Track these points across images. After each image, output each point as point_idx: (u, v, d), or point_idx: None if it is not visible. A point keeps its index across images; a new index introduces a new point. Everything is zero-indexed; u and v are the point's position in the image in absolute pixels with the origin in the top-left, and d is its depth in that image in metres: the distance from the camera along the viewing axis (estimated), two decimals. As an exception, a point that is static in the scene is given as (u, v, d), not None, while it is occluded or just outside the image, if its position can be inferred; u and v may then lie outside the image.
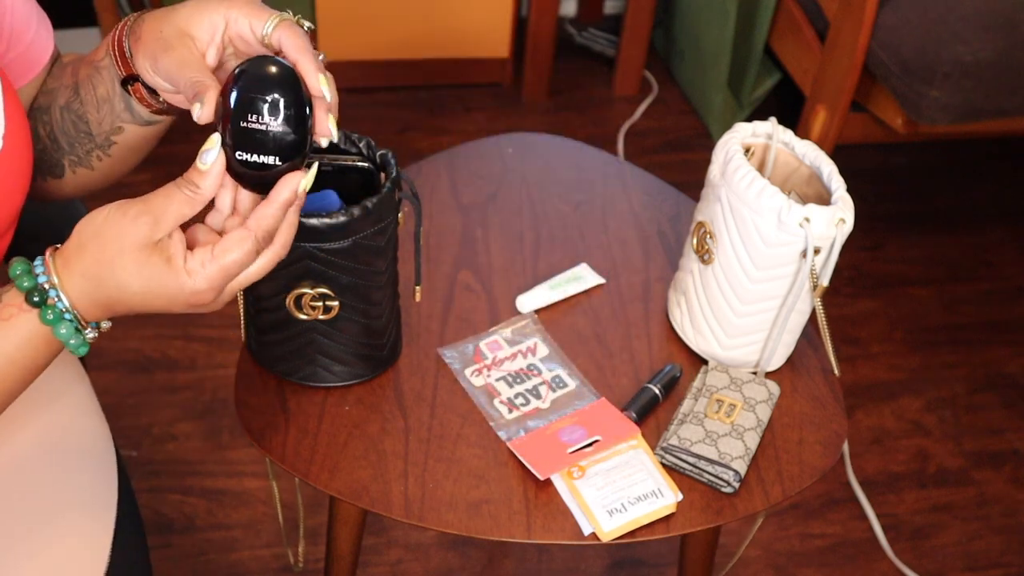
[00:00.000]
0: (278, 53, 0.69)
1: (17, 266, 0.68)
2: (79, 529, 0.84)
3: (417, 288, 0.95)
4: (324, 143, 0.70)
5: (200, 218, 0.70)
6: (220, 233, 0.69)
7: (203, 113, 0.67)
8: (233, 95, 0.65)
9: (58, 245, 0.69)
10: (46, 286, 0.67)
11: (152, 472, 1.68)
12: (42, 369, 0.72)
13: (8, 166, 0.75)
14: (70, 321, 0.68)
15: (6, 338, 0.68)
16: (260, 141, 0.66)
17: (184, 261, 0.67)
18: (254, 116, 0.65)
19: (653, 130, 2.51)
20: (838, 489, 1.76)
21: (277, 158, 0.66)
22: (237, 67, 0.66)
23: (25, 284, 0.67)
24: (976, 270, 2.21)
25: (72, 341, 0.69)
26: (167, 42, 0.71)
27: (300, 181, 0.67)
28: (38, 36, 0.83)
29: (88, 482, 0.87)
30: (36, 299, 0.67)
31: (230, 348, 1.88)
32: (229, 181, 0.69)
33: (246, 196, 0.69)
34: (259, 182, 0.68)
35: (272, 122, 0.65)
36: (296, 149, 0.67)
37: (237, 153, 0.66)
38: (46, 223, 1.05)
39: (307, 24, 0.72)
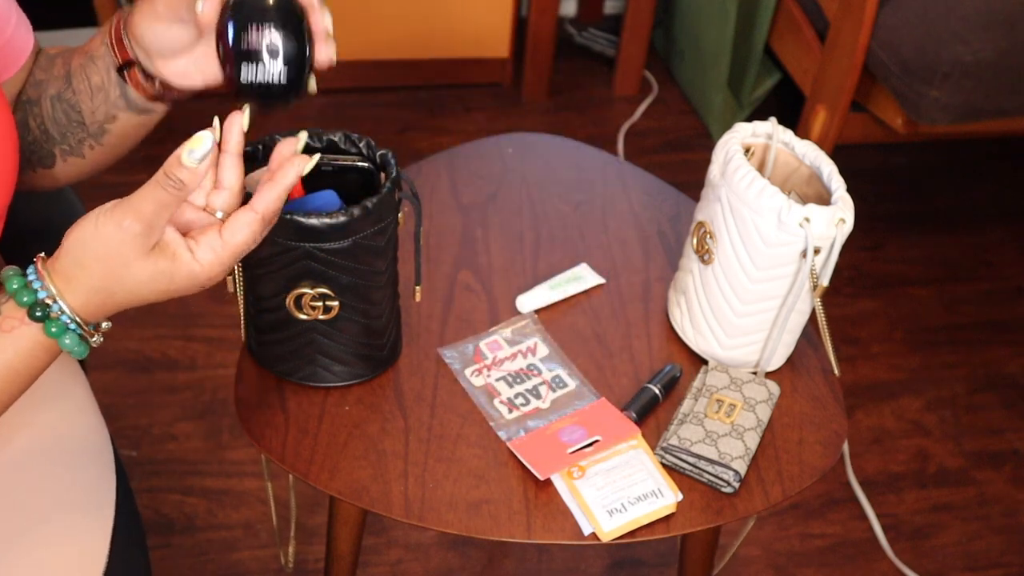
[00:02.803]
0: None
1: (12, 280, 0.68)
2: (77, 529, 0.84)
3: (417, 288, 0.95)
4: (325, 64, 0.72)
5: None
6: (204, 209, 0.70)
7: (205, 7, 0.69)
8: (233, 16, 0.67)
9: (44, 255, 0.69)
10: (47, 300, 0.67)
11: (152, 472, 1.68)
12: (41, 372, 0.72)
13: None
14: (74, 331, 0.68)
15: (8, 349, 0.68)
16: (261, 60, 0.68)
17: (190, 252, 0.67)
18: (255, 36, 0.67)
19: (653, 130, 2.51)
20: (838, 489, 1.76)
21: (281, 75, 0.69)
22: None
23: (25, 299, 0.67)
24: (976, 270, 2.21)
25: (76, 348, 0.69)
26: (157, 10, 0.74)
27: (303, 165, 0.70)
28: (16, 33, 0.83)
29: (86, 482, 0.87)
30: (39, 314, 0.67)
31: (230, 348, 1.88)
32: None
33: (228, 170, 0.69)
34: (261, 100, 0.70)
35: (273, 41, 0.67)
36: (298, 68, 0.69)
37: (241, 73, 0.68)
38: (45, 221, 1.05)
39: None
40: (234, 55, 0.69)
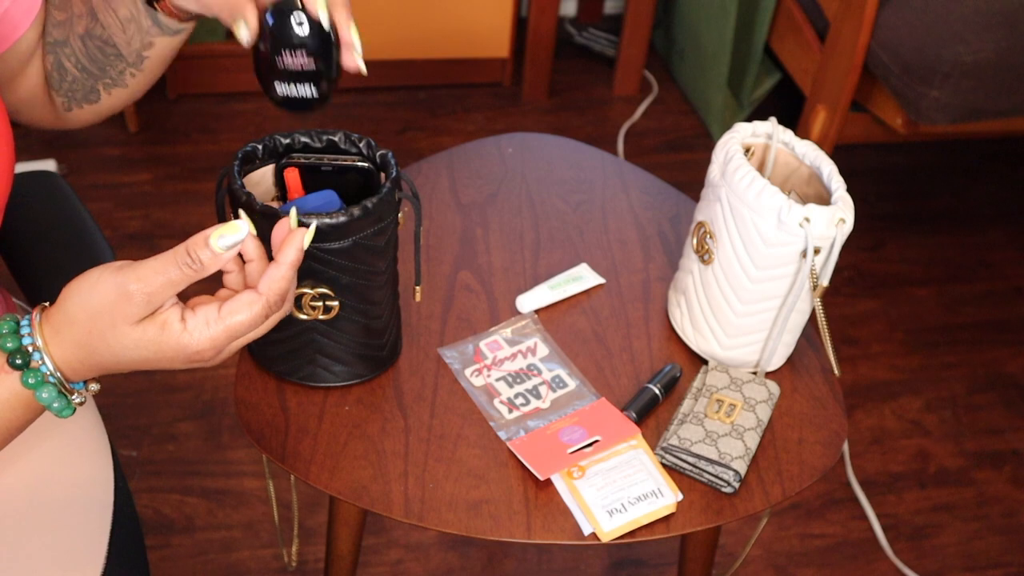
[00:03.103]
0: None
1: (4, 324, 0.66)
2: (75, 529, 0.84)
3: (417, 288, 0.95)
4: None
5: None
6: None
7: (248, 35, 0.73)
8: (271, 41, 0.74)
9: (47, 304, 0.67)
10: (30, 348, 0.65)
11: (152, 472, 1.68)
12: (20, 430, 0.69)
13: None
14: (53, 385, 0.65)
15: None
16: (296, 80, 0.76)
17: (182, 322, 0.64)
18: (290, 59, 0.75)
19: (653, 130, 2.51)
20: (838, 489, 1.76)
21: (312, 90, 0.76)
22: (269, 9, 0.74)
23: (8, 345, 0.65)
24: (976, 270, 2.21)
25: (55, 404, 0.66)
26: None
27: (303, 239, 0.68)
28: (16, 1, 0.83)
29: (84, 481, 0.87)
30: (18, 361, 0.64)
31: (230, 348, 1.88)
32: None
33: (273, 281, 0.67)
34: (292, 110, 0.78)
35: (307, 65, 0.75)
36: (327, 85, 0.76)
37: (276, 89, 0.76)
38: (45, 222, 1.05)
39: None
40: (270, 74, 0.76)
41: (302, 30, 0.73)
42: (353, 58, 0.75)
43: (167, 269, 0.63)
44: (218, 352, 0.66)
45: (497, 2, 2.36)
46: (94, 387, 0.68)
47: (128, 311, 0.63)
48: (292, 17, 0.73)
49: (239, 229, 0.64)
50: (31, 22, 0.83)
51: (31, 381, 0.65)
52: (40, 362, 0.65)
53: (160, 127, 2.35)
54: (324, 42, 0.74)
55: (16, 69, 0.85)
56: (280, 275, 0.66)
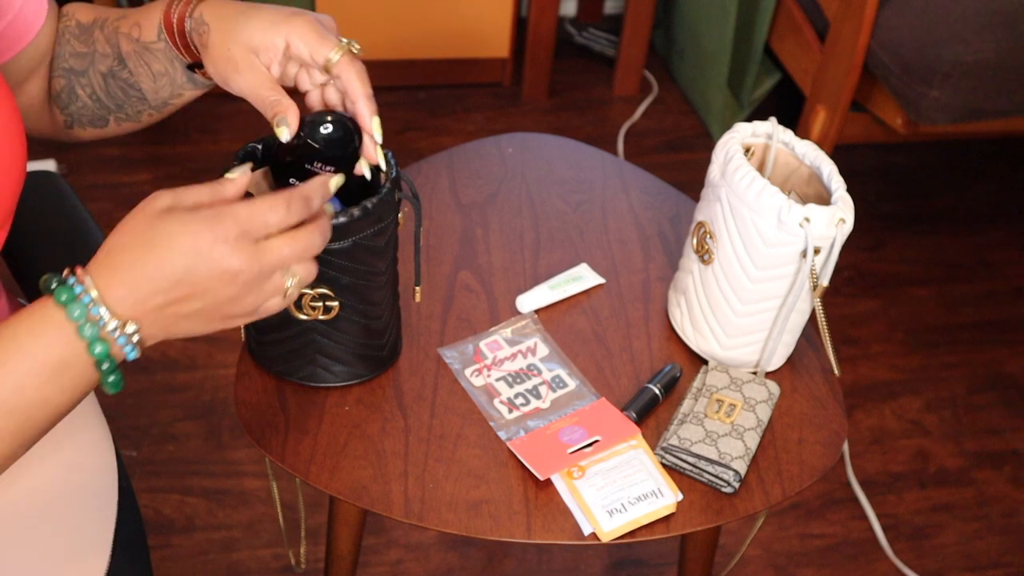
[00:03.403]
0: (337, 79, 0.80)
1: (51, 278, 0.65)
2: (80, 529, 0.84)
3: (417, 288, 0.95)
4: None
5: None
6: None
7: (288, 136, 0.77)
8: (298, 148, 0.79)
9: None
10: (66, 275, 0.64)
11: (152, 472, 1.68)
12: (56, 364, 0.64)
13: (2, 162, 0.75)
14: (86, 305, 0.62)
15: (17, 322, 0.63)
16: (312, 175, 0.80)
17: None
18: (315, 166, 0.80)
19: (653, 130, 2.51)
20: (838, 489, 1.76)
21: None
22: (305, 121, 0.78)
23: (53, 285, 0.64)
24: (976, 270, 2.21)
25: (87, 331, 0.62)
26: (236, 63, 0.77)
27: (333, 183, 0.74)
28: (26, 6, 0.83)
29: (88, 482, 0.87)
30: (53, 285, 0.63)
31: (230, 348, 1.88)
32: None
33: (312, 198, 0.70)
34: None
35: (328, 170, 0.80)
36: (348, 183, 0.80)
37: (290, 182, 0.80)
38: (47, 224, 1.05)
39: (357, 48, 0.80)
40: (290, 172, 0.81)
41: (336, 148, 0.79)
42: (372, 152, 0.81)
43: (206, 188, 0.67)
44: (247, 252, 0.64)
45: (497, 2, 2.36)
46: (132, 327, 0.64)
47: (152, 205, 0.64)
48: (330, 130, 0.79)
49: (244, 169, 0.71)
50: (30, 40, 0.84)
51: (63, 298, 0.62)
52: (73, 282, 0.63)
53: (160, 127, 2.35)
54: (352, 158, 0.80)
55: (15, 81, 0.86)
56: (308, 189, 0.69)
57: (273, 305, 0.69)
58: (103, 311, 0.63)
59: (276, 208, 0.66)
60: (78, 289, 0.63)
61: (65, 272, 0.64)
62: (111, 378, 0.66)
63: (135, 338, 0.64)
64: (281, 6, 0.80)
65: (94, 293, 0.63)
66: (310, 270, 0.70)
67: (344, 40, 0.79)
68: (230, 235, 0.64)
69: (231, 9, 0.79)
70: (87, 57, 0.86)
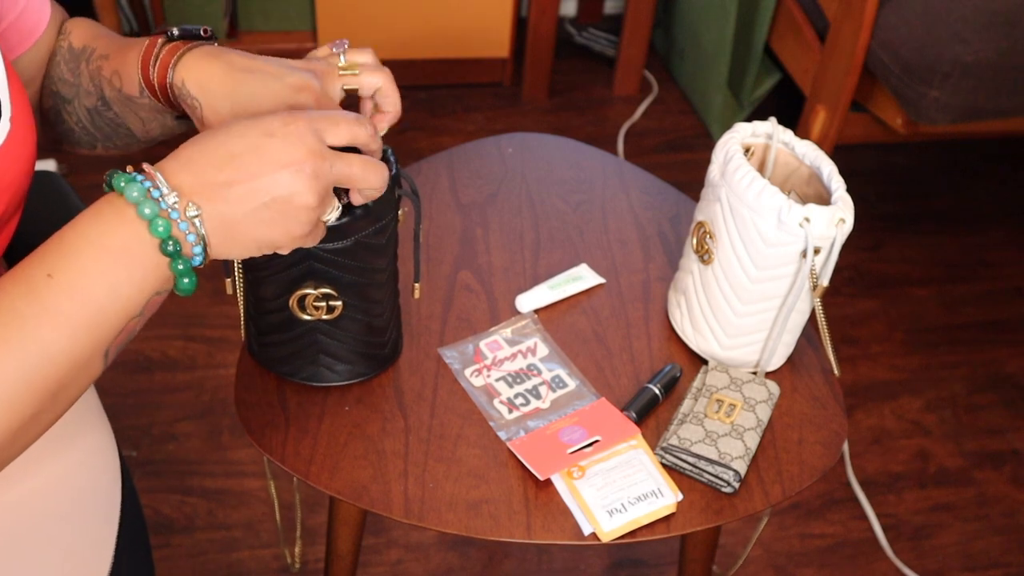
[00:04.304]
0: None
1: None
2: (83, 529, 0.84)
3: (416, 285, 0.95)
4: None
5: None
6: None
7: None
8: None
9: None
10: (130, 169, 0.62)
11: (152, 472, 1.68)
12: (117, 246, 0.61)
13: (15, 151, 0.74)
14: (141, 182, 0.60)
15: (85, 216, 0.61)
16: None
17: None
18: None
19: (653, 130, 2.51)
20: (838, 489, 1.76)
21: None
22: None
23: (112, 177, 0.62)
24: (976, 270, 2.21)
25: (146, 209, 0.60)
26: None
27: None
28: (30, 5, 0.81)
29: (92, 483, 0.87)
30: (112, 179, 0.61)
31: (230, 348, 1.88)
32: None
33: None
34: None
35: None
36: None
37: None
38: (48, 226, 1.05)
39: (345, 46, 0.80)
40: None
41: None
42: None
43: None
44: (300, 119, 0.64)
45: (497, 2, 2.36)
46: (192, 211, 0.61)
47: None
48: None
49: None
50: (28, 46, 0.83)
51: (120, 182, 0.60)
52: (137, 172, 0.61)
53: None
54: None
55: None
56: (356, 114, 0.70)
57: (318, 232, 0.68)
58: (162, 184, 0.61)
59: (348, 116, 0.67)
60: (138, 176, 0.61)
61: (126, 168, 0.62)
62: (181, 269, 0.62)
63: (197, 222, 0.61)
64: (267, 69, 0.76)
65: (151, 171, 0.61)
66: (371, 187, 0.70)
67: (340, 64, 0.79)
68: (300, 121, 0.63)
69: (217, 80, 0.75)
70: (73, 87, 0.83)
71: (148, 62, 0.77)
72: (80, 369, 0.62)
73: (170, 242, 0.61)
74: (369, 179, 0.68)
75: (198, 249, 0.62)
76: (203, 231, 0.62)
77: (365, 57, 0.81)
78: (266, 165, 0.62)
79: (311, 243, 0.68)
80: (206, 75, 0.75)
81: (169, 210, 0.61)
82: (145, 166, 0.62)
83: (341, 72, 0.79)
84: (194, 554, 1.58)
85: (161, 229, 0.60)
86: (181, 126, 0.83)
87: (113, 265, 0.61)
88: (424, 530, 1.62)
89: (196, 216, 0.61)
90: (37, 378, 0.59)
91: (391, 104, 0.82)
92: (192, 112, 0.77)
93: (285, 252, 0.68)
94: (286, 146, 0.63)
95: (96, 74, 0.82)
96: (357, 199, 0.75)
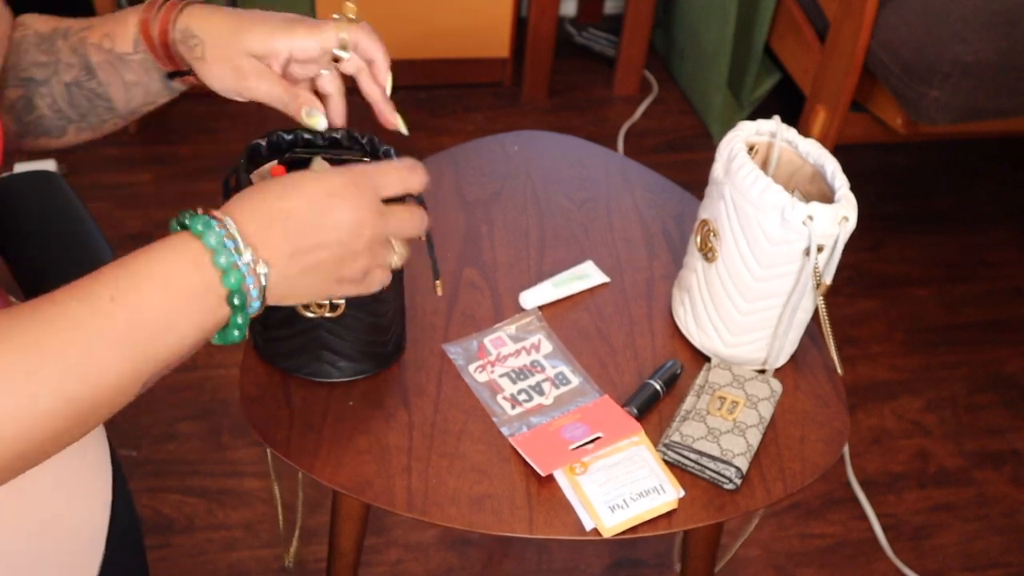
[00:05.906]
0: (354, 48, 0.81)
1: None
2: (72, 528, 0.83)
3: (437, 282, 0.92)
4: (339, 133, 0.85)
5: None
6: None
7: (325, 123, 0.80)
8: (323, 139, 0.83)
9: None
10: (199, 211, 0.63)
11: (152, 472, 1.67)
12: (181, 286, 0.61)
13: None
14: (222, 235, 0.61)
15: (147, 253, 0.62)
16: None
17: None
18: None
19: (653, 130, 2.51)
20: (838, 489, 1.76)
21: None
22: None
23: (186, 219, 0.63)
24: (976, 270, 2.21)
25: (223, 259, 0.61)
26: (243, 72, 0.78)
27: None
28: None
29: (81, 479, 0.87)
30: (187, 219, 0.62)
31: (231, 348, 1.87)
32: None
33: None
34: None
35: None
36: None
37: None
38: (41, 220, 1.05)
39: (352, 13, 0.80)
40: None
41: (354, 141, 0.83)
42: (389, 116, 0.84)
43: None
44: (352, 184, 0.66)
45: (497, 2, 2.36)
46: (263, 268, 0.63)
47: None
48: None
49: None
50: None
51: (199, 227, 0.61)
52: (213, 218, 0.62)
53: (160, 127, 2.35)
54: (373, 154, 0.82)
55: None
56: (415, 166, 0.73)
57: (377, 278, 0.71)
58: (240, 241, 0.62)
59: (400, 167, 0.70)
60: (214, 222, 0.62)
61: (198, 210, 0.63)
62: (239, 319, 0.63)
63: (263, 280, 0.63)
64: (272, 13, 0.79)
65: (221, 216, 0.62)
66: (406, 249, 0.72)
67: (336, 16, 0.80)
68: (360, 181, 0.66)
69: (222, 20, 0.78)
70: (49, 67, 0.83)
71: (148, 18, 0.79)
72: (117, 394, 0.64)
73: (237, 295, 0.62)
74: (415, 229, 0.72)
75: (256, 304, 0.64)
76: (265, 285, 0.64)
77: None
78: (331, 231, 0.65)
79: (364, 292, 0.71)
80: (211, 17, 0.78)
81: (243, 263, 0.62)
82: (214, 211, 0.63)
83: (334, 17, 0.80)
84: (194, 554, 1.57)
85: (233, 281, 0.61)
86: (164, 93, 0.83)
87: (177, 302, 0.61)
88: (424, 530, 1.62)
89: (264, 276, 0.63)
90: (76, 395, 0.60)
91: (375, 52, 0.82)
92: (190, 53, 0.78)
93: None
94: (348, 210, 0.66)
95: (80, 44, 0.83)
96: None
